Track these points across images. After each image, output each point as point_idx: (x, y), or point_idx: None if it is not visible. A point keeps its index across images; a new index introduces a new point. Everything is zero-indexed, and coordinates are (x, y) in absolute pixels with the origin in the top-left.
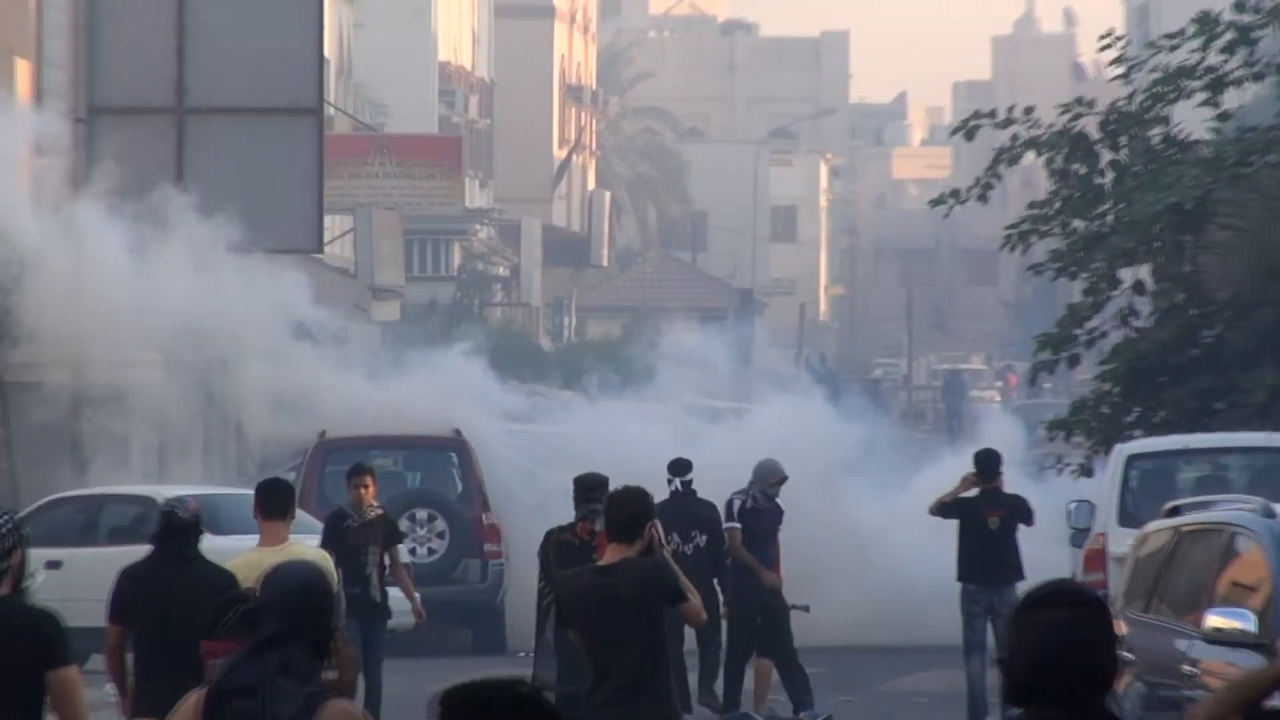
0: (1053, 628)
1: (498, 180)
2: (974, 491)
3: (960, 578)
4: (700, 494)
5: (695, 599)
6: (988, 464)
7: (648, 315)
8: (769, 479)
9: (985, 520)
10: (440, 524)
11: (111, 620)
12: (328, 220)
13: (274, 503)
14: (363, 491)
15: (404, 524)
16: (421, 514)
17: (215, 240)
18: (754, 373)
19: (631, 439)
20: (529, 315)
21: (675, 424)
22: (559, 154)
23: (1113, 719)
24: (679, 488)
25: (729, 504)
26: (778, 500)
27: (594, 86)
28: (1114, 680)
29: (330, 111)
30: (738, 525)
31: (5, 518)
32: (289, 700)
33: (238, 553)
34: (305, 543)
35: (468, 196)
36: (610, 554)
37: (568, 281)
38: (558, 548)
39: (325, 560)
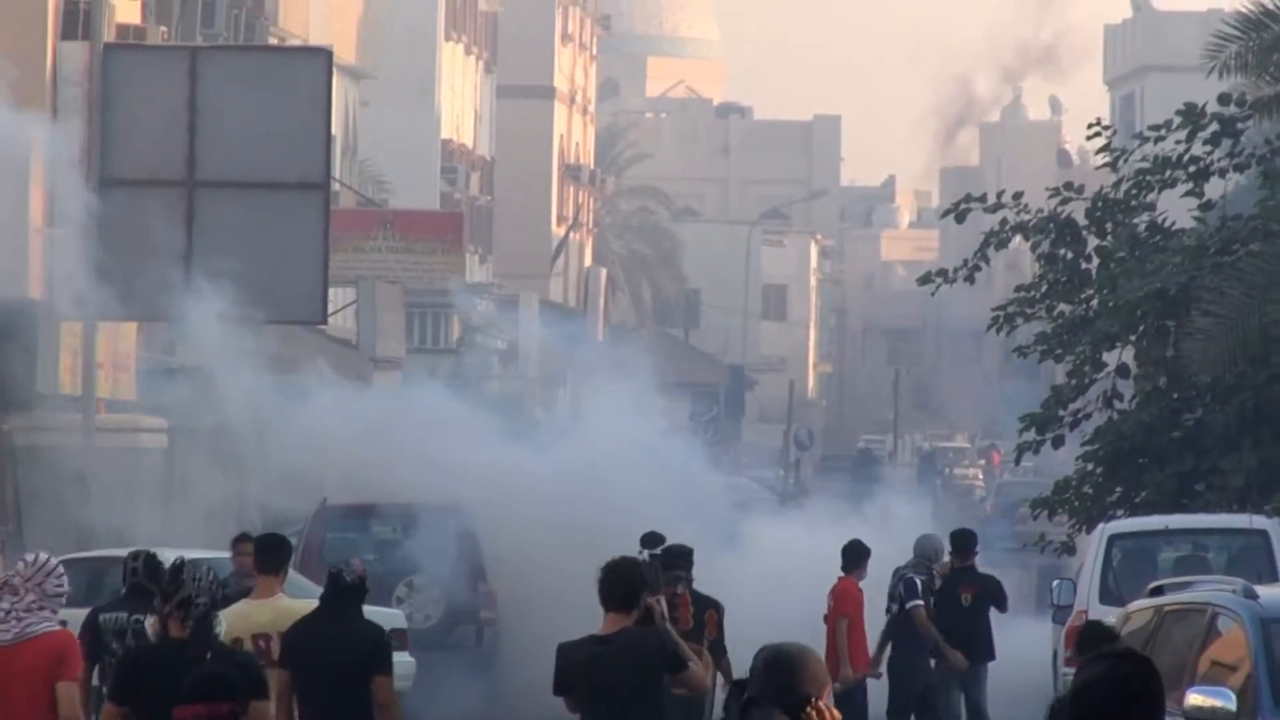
0: (1103, 679)
1: (497, 255)
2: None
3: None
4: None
5: (697, 666)
6: (963, 543)
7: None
8: (933, 556)
9: (958, 597)
10: (436, 591)
11: (280, 666)
12: (331, 292)
13: (270, 558)
14: (244, 560)
15: (401, 589)
16: (419, 580)
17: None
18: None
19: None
20: (526, 387)
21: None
22: (557, 231)
23: None
24: (647, 558)
25: (909, 582)
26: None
27: (592, 166)
28: None
29: (335, 187)
30: (921, 602)
31: (208, 572)
32: None
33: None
34: (297, 600)
35: (468, 271)
36: (609, 624)
37: (564, 356)
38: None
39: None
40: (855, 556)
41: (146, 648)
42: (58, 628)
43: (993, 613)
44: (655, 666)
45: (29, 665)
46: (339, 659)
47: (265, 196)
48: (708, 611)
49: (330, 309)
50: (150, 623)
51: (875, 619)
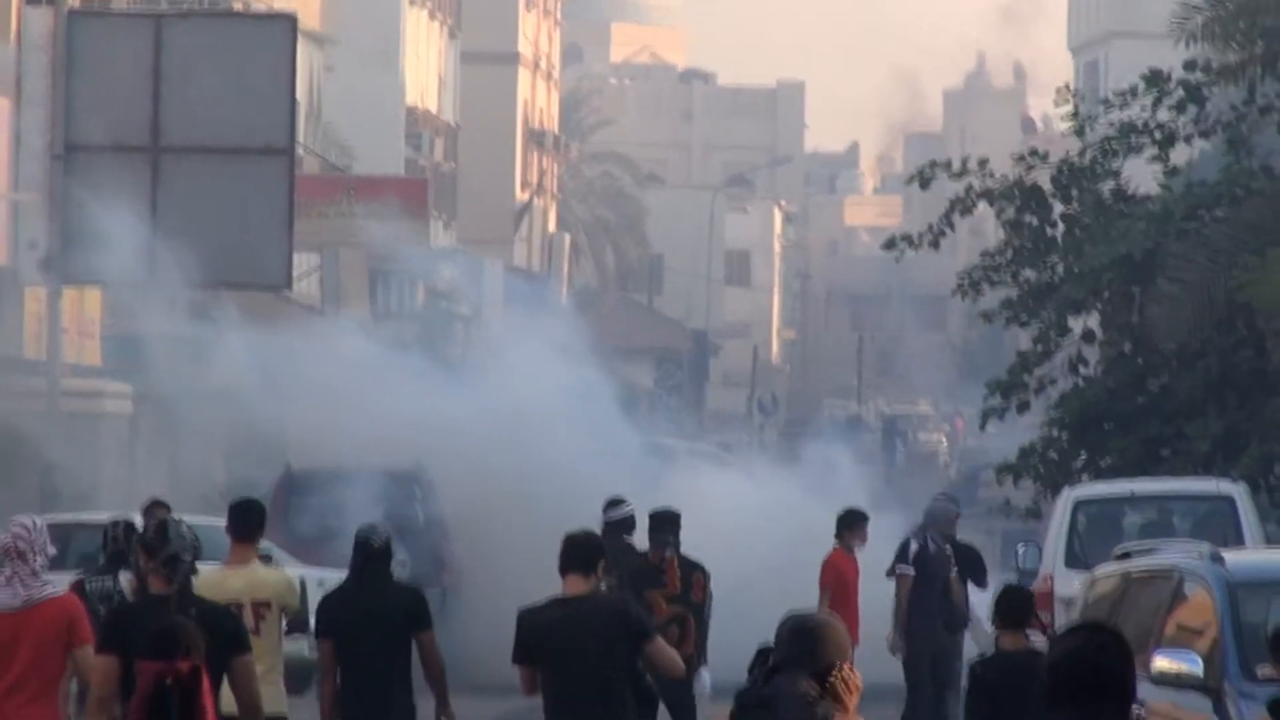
0: (1077, 649)
1: (461, 221)
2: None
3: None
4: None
5: (667, 648)
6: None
7: (605, 356)
8: (943, 521)
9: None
10: (402, 554)
11: (319, 637)
12: (296, 258)
13: (243, 524)
14: None
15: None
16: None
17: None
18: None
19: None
20: (491, 353)
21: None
22: (521, 196)
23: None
24: (605, 526)
25: (904, 546)
26: (948, 546)
27: (556, 132)
28: (1127, 702)
29: (300, 152)
30: (911, 570)
31: (190, 530)
32: (800, 712)
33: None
34: (270, 567)
35: (432, 236)
36: (570, 585)
37: (527, 320)
38: (635, 571)
39: (289, 581)
40: (844, 524)
41: (131, 604)
42: (63, 592)
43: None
44: (621, 631)
45: (38, 630)
46: (379, 623)
47: (230, 162)
48: (694, 575)
49: (295, 274)
50: (128, 579)
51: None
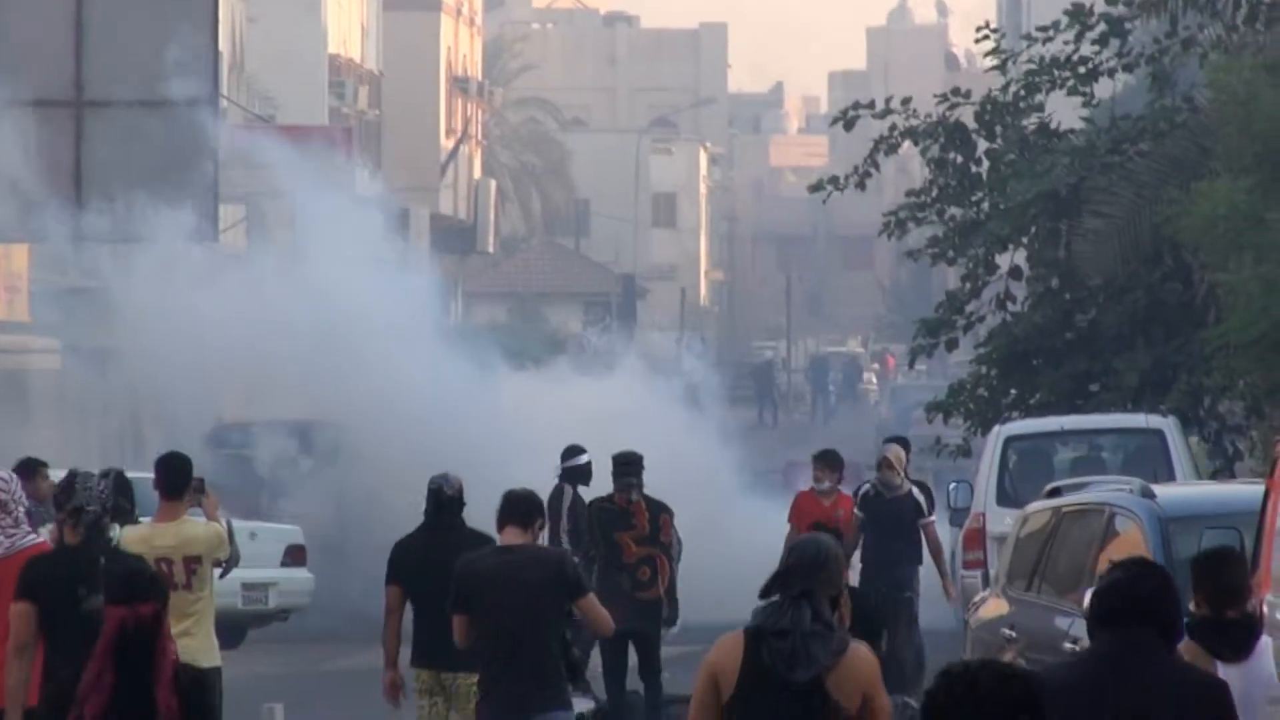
0: (1112, 573)
1: (386, 169)
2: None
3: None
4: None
5: (601, 608)
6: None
7: (533, 300)
8: (883, 462)
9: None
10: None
11: (389, 583)
12: (221, 210)
13: (172, 480)
14: (40, 484)
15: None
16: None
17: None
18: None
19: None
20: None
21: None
22: (446, 144)
23: (1163, 648)
24: (560, 472)
25: (855, 492)
26: (914, 489)
27: (479, 78)
28: (1170, 630)
29: (224, 104)
30: (859, 515)
31: (99, 482)
32: (821, 641)
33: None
34: (200, 522)
35: (357, 185)
36: (508, 537)
37: (455, 268)
38: (601, 514)
39: (219, 533)
40: (815, 464)
41: (46, 554)
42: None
43: None
44: (557, 582)
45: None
46: (446, 569)
47: (154, 115)
48: (661, 515)
49: (221, 226)
50: (49, 530)
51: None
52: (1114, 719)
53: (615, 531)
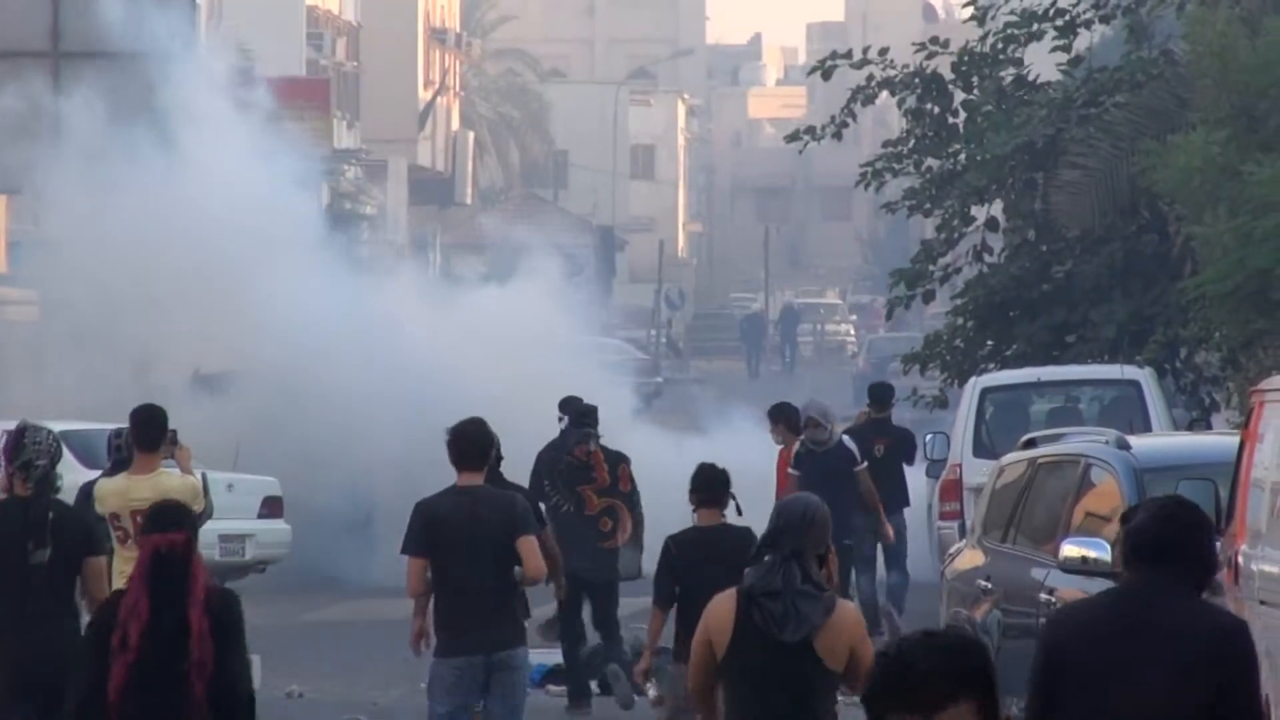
0: (1143, 512)
1: (364, 122)
2: (864, 420)
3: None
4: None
5: (538, 552)
6: (881, 395)
7: (511, 252)
8: (809, 421)
9: (872, 448)
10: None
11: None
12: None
13: (146, 433)
14: None
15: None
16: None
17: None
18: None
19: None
20: (395, 253)
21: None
22: (424, 96)
23: (1190, 588)
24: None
25: (795, 451)
26: (845, 440)
27: (457, 29)
28: (1206, 569)
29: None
30: (795, 473)
31: (48, 435)
32: (810, 600)
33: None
34: (176, 474)
35: (335, 137)
36: (464, 480)
37: (433, 220)
38: (566, 468)
39: (194, 486)
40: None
41: None
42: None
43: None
44: (515, 523)
45: None
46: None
47: (131, 67)
48: (620, 465)
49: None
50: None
51: None
52: (1136, 658)
53: (577, 484)
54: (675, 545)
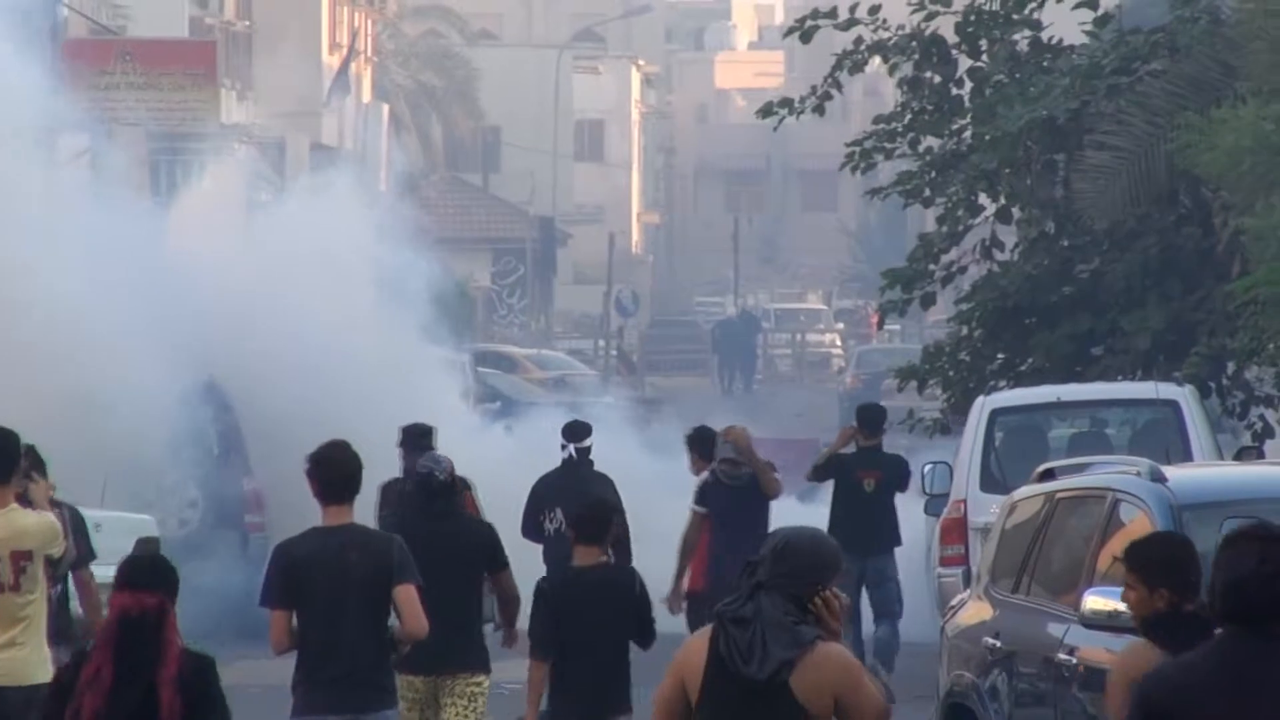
0: (1244, 558)
1: (260, 92)
2: (851, 449)
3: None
4: None
5: (417, 602)
6: (872, 419)
7: (432, 247)
8: (726, 448)
9: (860, 482)
10: (192, 491)
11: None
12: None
13: None
14: None
15: (151, 493)
16: (169, 480)
17: None
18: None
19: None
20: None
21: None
22: (330, 61)
23: None
24: (573, 455)
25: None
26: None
27: None
28: None
29: (64, 13)
30: (701, 509)
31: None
32: (780, 633)
33: None
34: (30, 512)
35: (224, 111)
36: (332, 517)
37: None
38: (400, 496)
39: (52, 526)
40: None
41: None
42: None
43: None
44: (391, 569)
45: None
46: (450, 559)
47: None
48: (465, 492)
49: (62, 157)
50: None
51: None
52: (1255, 717)
53: None
54: (550, 587)
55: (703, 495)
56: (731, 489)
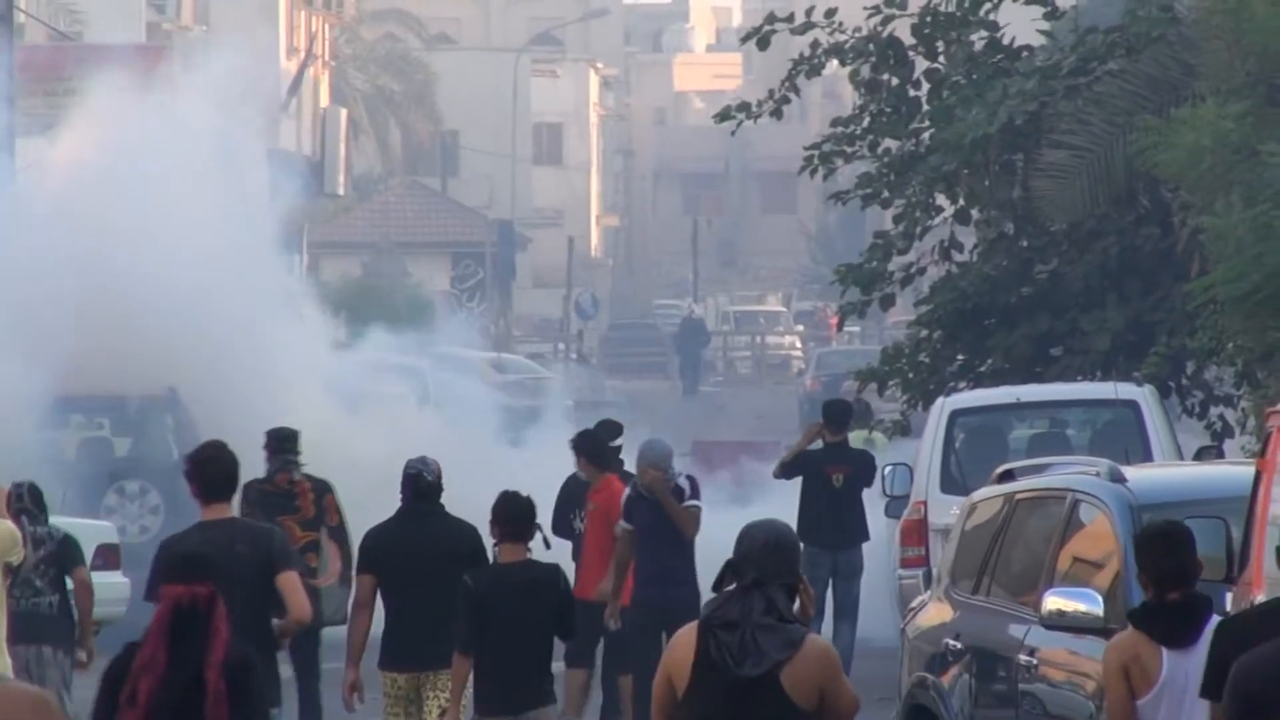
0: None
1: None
2: (819, 445)
3: (799, 539)
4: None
5: (301, 589)
6: (838, 415)
7: (391, 251)
8: (647, 465)
9: (829, 477)
10: (154, 498)
11: (361, 572)
12: (19, 144)
13: None
14: None
15: (112, 498)
16: (132, 486)
17: None
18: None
19: None
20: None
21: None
22: (287, 66)
23: None
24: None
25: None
26: (680, 479)
27: None
28: None
29: (21, 19)
30: (628, 527)
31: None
32: (771, 633)
33: None
34: None
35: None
36: (212, 513)
37: (297, 214)
38: (260, 497)
39: (11, 534)
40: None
41: None
42: None
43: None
44: (273, 558)
45: None
46: (434, 559)
47: None
48: (326, 496)
49: (20, 164)
50: None
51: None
52: None
53: (277, 515)
54: (474, 582)
55: (628, 512)
56: (653, 503)
